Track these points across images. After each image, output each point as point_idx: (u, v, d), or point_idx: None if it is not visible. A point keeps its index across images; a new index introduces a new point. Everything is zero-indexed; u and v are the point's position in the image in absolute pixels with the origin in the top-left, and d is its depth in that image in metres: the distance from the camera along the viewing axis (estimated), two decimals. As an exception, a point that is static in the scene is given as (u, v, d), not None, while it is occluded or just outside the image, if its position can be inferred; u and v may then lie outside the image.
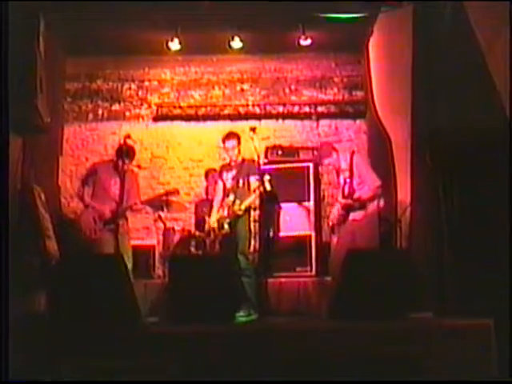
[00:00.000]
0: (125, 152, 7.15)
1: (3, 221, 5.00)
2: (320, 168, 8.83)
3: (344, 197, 7.01)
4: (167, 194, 7.52)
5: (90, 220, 7.16)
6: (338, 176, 7.23)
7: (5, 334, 4.35)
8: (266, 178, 6.85)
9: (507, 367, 4.66)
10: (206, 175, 8.84)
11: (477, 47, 5.65)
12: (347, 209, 6.99)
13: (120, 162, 7.20)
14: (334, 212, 7.20)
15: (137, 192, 7.44)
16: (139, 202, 7.32)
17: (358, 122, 10.12)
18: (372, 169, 7.04)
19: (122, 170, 7.16)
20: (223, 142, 7.37)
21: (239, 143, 7.28)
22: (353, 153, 7.19)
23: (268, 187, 6.81)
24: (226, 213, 7.18)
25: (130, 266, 6.93)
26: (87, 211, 7.25)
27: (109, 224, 7.11)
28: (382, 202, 7.15)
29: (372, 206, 6.94)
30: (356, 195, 6.93)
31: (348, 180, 7.00)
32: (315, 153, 8.60)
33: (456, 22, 6.06)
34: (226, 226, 7.10)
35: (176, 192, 7.58)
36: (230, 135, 7.32)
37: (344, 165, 7.09)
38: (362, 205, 6.92)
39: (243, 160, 7.30)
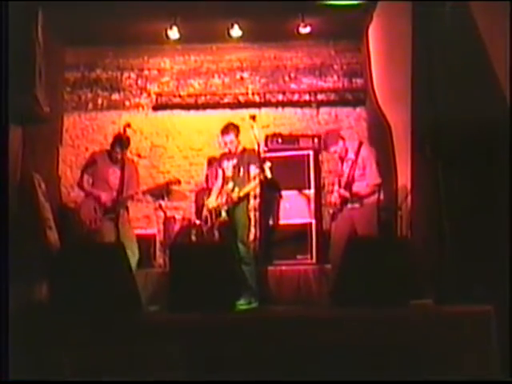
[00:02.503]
0: (120, 141, 7.16)
1: (3, 211, 5.00)
2: (320, 156, 8.85)
3: (343, 186, 7.04)
4: (168, 184, 7.53)
5: (91, 210, 7.17)
6: (341, 164, 7.24)
7: (5, 333, 4.36)
8: (267, 165, 6.85)
9: (508, 361, 4.67)
10: (209, 163, 8.83)
11: (477, 34, 5.63)
12: (345, 200, 7.02)
13: (116, 151, 7.22)
14: (333, 200, 7.22)
15: (136, 182, 7.44)
16: (140, 192, 7.34)
17: (357, 109, 10.11)
18: (377, 164, 7.05)
19: (121, 160, 7.17)
20: (221, 135, 7.36)
21: (238, 136, 7.28)
22: (360, 143, 7.20)
23: (269, 175, 6.82)
24: (224, 200, 7.19)
25: (135, 255, 6.96)
26: (87, 201, 7.26)
27: (109, 213, 7.13)
28: (381, 192, 7.18)
29: (370, 197, 6.98)
30: (354, 188, 6.95)
31: (350, 169, 7.02)
32: (320, 140, 8.61)
33: (456, 9, 6.04)
34: (223, 214, 7.12)
35: (178, 182, 7.59)
36: (229, 128, 7.31)
37: (350, 154, 7.10)
38: (358, 198, 6.96)
39: (244, 149, 7.30)
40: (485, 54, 5.52)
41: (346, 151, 7.15)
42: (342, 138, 7.23)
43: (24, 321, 4.69)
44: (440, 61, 6.36)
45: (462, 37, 5.92)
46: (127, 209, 7.40)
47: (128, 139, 7.26)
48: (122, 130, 7.19)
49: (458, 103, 5.90)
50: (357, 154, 7.02)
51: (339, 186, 7.15)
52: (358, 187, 6.95)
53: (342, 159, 7.22)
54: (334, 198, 7.17)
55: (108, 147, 7.53)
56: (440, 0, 6.31)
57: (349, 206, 7.01)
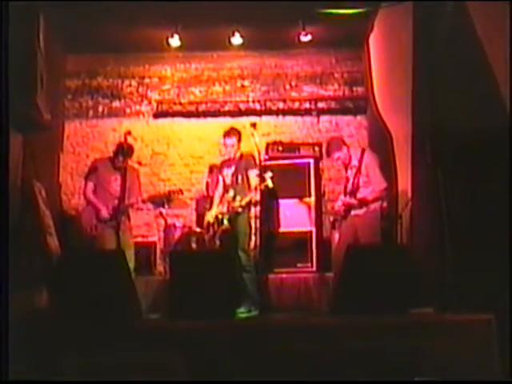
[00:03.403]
0: (123, 150, 7.16)
1: (4, 218, 4.99)
2: (321, 164, 8.85)
3: (348, 193, 7.02)
4: (170, 193, 7.50)
5: (92, 217, 7.17)
6: (345, 171, 7.24)
7: (5, 333, 4.34)
8: (268, 174, 6.84)
9: (508, 363, 4.65)
10: (210, 171, 8.82)
11: (478, 42, 5.64)
12: (349, 207, 7.00)
13: (119, 159, 7.21)
14: (336, 207, 7.21)
15: (138, 189, 7.44)
16: (140, 201, 7.33)
17: (358, 117, 10.11)
18: (380, 170, 7.04)
19: (123, 167, 7.17)
20: (223, 138, 7.36)
21: (239, 140, 7.28)
22: (363, 150, 7.21)
23: (270, 184, 6.81)
24: (225, 208, 7.19)
25: (131, 263, 6.94)
26: (89, 208, 7.26)
27: (110, 221, 7.12)
28: (386, 198, 7.18)
29: (374, 203, 6.98)
30: (360, 194, 6.94)
31: (354, 176, 7.01)
32: (321, 148, 8.65)
33: (456, 16, 6.05)
34: (225, 222, 7.12)
35: (179, 192, 7.58)
36: (231, 132, 7.31)
37: (353, 160, 7.10)
38: (364, 204, 6.94)
39: (241, 155, 7.30)
40: (485, 62, 5.53)
41: (350, 158, 7.14)
42: (346, 145, 7.23)
43: (24, 327, 4.68)
44: (440, 69, 6.36)
45: (463, 44, 5.92)
46: (129, 217, 7.39)
47: (131, 147, 7.28)
48: (122, 138, 7.20)
49: (458, 110, 5.89)
50: (360, 160, 7.01)
51: (344, 193, 7.12)
52: (363, 193, 6.94)
53: (345, 166, 7.21)
54: (338, 205, 7.15)
55: (109, 154, 7.53)
56: (441, 0, 6.32)
57: (352, 213, 6.99)
